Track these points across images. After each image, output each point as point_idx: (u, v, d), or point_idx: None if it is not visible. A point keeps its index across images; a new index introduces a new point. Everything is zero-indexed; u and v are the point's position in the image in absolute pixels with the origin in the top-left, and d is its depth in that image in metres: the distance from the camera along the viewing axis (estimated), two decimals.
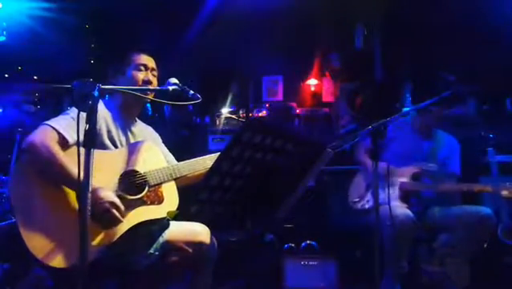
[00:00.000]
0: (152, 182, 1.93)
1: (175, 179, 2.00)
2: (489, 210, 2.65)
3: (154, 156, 2.03)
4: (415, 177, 2.85)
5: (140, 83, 2.07)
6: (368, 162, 2.98)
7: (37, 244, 1.68)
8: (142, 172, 1.93)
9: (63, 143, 1.81)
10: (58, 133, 1.81)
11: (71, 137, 1.81)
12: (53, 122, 1.84)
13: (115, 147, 1.99)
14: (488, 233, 2.67)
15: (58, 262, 1.67)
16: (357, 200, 2.92)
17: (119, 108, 2.09)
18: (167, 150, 2.28)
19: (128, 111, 2.12)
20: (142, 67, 2.10)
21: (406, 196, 2.80)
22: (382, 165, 2.86)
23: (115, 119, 2.04)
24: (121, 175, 1.88)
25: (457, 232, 2.63)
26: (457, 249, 2.62)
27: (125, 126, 2.09)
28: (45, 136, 1.79)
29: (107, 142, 1.97)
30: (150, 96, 2.07)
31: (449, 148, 3.01)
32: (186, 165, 2.05)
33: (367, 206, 2.81)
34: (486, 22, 4.00)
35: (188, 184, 2.10)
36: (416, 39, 4.28)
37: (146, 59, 2.13)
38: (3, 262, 2.71)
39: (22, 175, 1.80)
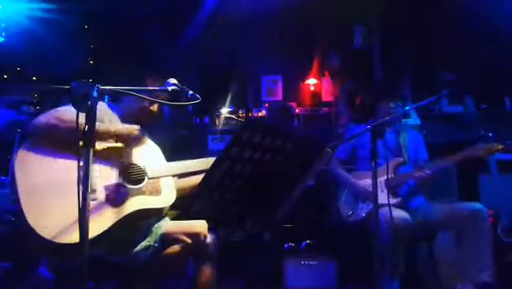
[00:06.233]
0: (151, 175, 1.96)
1: (173, 176, 2.05)
2: (481, 205, 2.62)
3: (153, 152, 2.09)
4: (395, 170, 2.84)
5: (147, 111, 2.12)
6: (343, 174, 2.98)
7: (44, 224, 1.62)
8: (141, 165, 1.97)
9: None
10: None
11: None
12: (57, 111, 1.85)
13: None
14: (481, 227, 2.65)
15: (69, 237, 1.62)
16: (350, 213, 2.88)
17: (122, 119, 2.11)
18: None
19: (130, 122, 2.12)
20: None
21: (395, 190, 2.78)
22: (362, 173, 2.88)
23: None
24: (121, 167, 1.90)
25: (451, 228, 2.63)
26: (453, 246, 2.61)
27: None
28: (50, 115, 1.82)
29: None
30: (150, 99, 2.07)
31: (413, 138, 3.04)
32: (186, 164, 2.08)
33: (363, 214, 2.79)
34: (486, 22, 4.01)
35: (184, 194, 2.11)
36: (415, 39, 4.29)
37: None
38: (4, 261, 2.71)
39: (26, 158, 1.74)
